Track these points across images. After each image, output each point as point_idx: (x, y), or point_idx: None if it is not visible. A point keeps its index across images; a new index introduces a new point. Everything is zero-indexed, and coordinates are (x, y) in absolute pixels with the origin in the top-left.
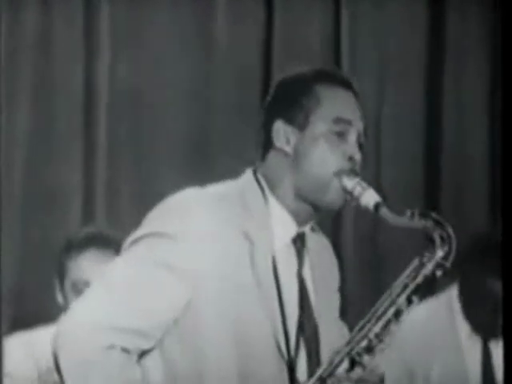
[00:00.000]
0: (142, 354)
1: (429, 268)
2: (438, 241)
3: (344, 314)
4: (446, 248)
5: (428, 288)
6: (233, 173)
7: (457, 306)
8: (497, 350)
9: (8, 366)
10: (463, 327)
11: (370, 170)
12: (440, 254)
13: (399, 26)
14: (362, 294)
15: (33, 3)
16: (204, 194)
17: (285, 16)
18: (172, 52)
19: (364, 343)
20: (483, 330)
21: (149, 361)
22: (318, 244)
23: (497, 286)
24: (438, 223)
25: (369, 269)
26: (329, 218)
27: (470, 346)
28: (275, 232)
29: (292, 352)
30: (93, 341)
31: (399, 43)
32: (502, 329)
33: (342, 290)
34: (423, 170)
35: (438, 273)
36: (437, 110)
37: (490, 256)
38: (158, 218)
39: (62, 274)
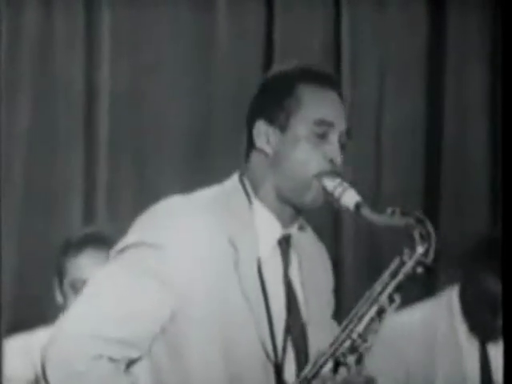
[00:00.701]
0: (130, 362)
1: (409, 265)
2: (417, 238)
3: (343, 314)
4: (425, 245)
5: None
6: (233, 171)
7: (457, 306)
8: (495, 351)
9: (6, 368)
10: (462, 328)
11: (370, 170)
12: (420, 251)
13: (400, 27)
14: (361, 295)
15: (33, 3)
16: (190, 202)
17: (285, 18)
18: (172, 53)
19: (347, 343)
20: (481, 331)
21: (137, 369)
22: (307, 242)
23: (497, 286)
24: (419, 220)
25: (368, 269)
26: (329, 219)
27: (469, 347)
28: (260, 235)
29: (279, 354)
30: (80, 351)
31: (400, 45)
32: (502, 330)
33: (341, 290)
34: (423, 170)
35: (419, 270)
36: (437, 111)
37: (490, 257)
38: (144, 227)
39: (60, 274)
